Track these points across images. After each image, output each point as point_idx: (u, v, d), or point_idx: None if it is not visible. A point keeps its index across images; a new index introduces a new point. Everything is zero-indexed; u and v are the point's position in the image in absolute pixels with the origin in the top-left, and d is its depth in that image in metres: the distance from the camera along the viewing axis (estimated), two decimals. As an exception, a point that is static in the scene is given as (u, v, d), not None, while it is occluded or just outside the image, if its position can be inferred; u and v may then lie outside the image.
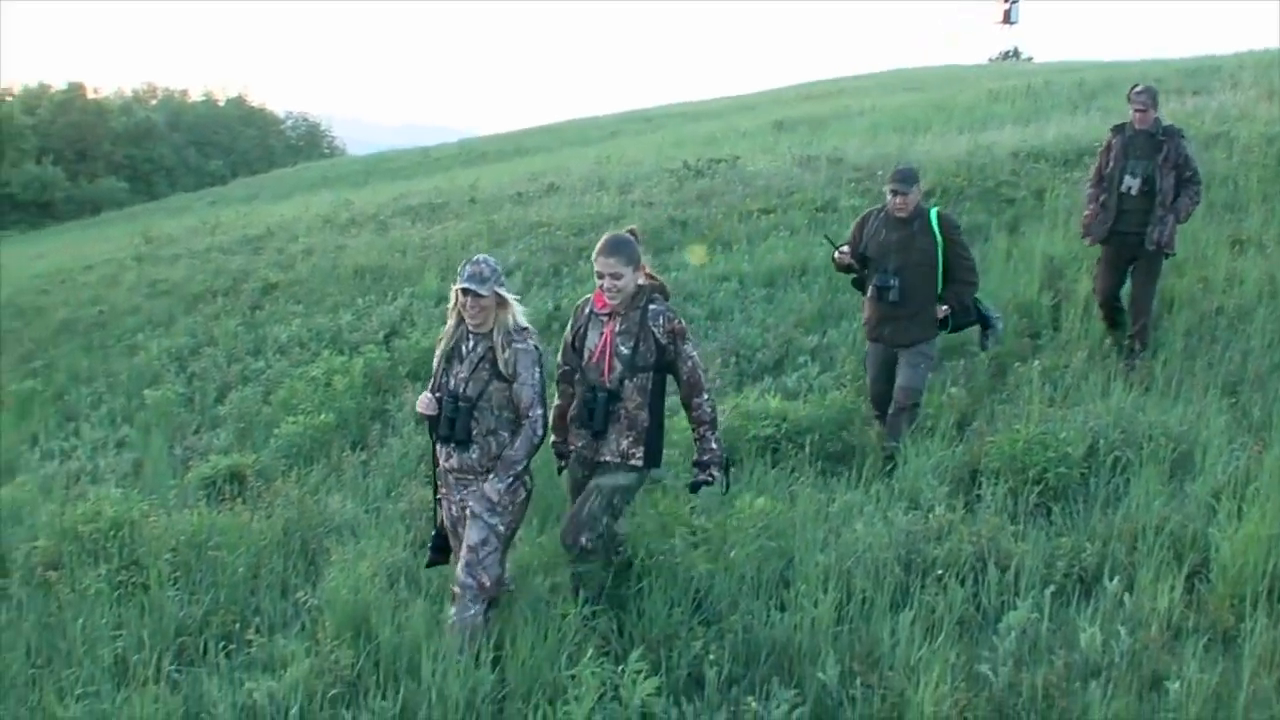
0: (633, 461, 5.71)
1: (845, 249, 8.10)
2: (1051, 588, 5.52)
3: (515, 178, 23.66)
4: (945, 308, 7.84)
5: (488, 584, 5.42)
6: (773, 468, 7.57)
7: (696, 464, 5.83)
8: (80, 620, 6.00)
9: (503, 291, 5.41)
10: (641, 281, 5.71)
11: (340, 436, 9.81)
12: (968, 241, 8.13)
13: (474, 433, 5.47)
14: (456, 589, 5.43)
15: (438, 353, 5.65)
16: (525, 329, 5.51)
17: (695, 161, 19.25)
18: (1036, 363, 8.81)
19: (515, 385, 5.43)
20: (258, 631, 5.90)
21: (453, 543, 5.67)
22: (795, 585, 5.68)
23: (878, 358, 8.11)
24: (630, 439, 5.70)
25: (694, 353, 5.75)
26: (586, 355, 5.77)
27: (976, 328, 8.22)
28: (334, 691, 5.04)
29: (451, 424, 5.46)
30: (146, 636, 5.77)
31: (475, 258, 5.46)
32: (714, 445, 5.78)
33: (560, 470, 6.10)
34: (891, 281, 7.75)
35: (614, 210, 16.66)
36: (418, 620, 5.52)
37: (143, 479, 9.79)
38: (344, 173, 43.20)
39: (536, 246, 15.24)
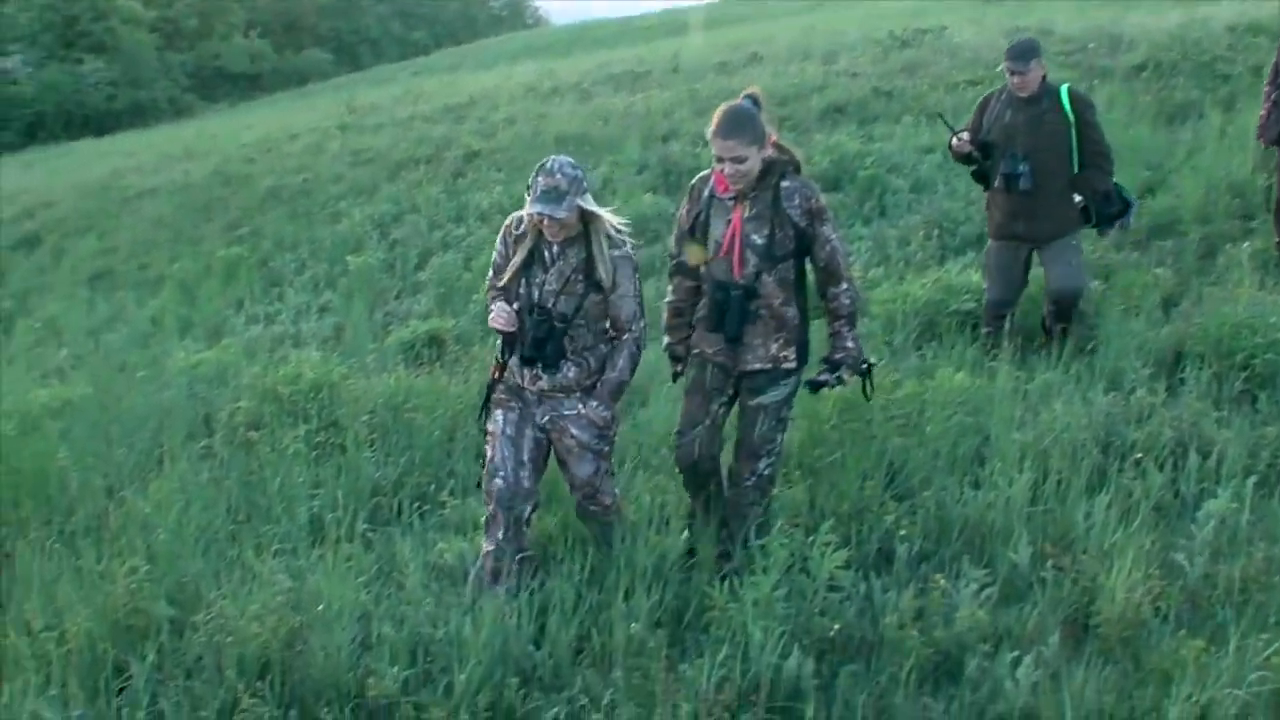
0: (786, 365, 5.00)
1: (964, 135, 7.32)
2: (1254, 478, 5.31)
3: (719, 47, 23.29)
4: (1080, 198, 7.13)
5: (610, 503, 5.11)
6: (972, 344, 7.36)
7: (827, 361, 5.06)
8: (279, 479, 6.17)
9: (585, 203, 4.72)
10: (769, 155, 4.90)
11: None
12: (1101, 124, 7.30)
13: (568, 352, 4.89)
14: (582, 519, 5.20)
15: (515, 260, 4.90)
16: (623, 232, 4.87)
17: (901, 32, 18.67)
18: (1247, 245, 8.35)
19: (614, 296, 4.82)
20: (451, 494, 6.01)
21: (506, 450, 4.98)
22: (990, 463, 5.58)
23: (1007, 257, 7.31)
24: (780, 341, 4.97)
25: (834, 236, 4.95)
26: (711, 247, 5.00)
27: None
28: (525, 554, 5.06)
29: (541, 345, 4.82)
30: (342, 496, 5.88)
31: (549, 164, 4.70)
32: (849, 343, 5.03)
33: (675, 376, 5.43)
34: (1021, 168, 6.99)
35: (818, 80, 16.34)
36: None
37: (343, 343, 10.05)
38: (547, 43, 43.19)
39: (740, 115, 14.95)
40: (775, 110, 14.39)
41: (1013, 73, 7.11)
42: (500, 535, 4.91)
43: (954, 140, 7.33)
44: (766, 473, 5.06)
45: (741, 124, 4.76)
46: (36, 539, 5.65)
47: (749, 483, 5.05)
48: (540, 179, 4.65)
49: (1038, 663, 4.20)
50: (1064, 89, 7.13)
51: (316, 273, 13.11)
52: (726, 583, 4.66)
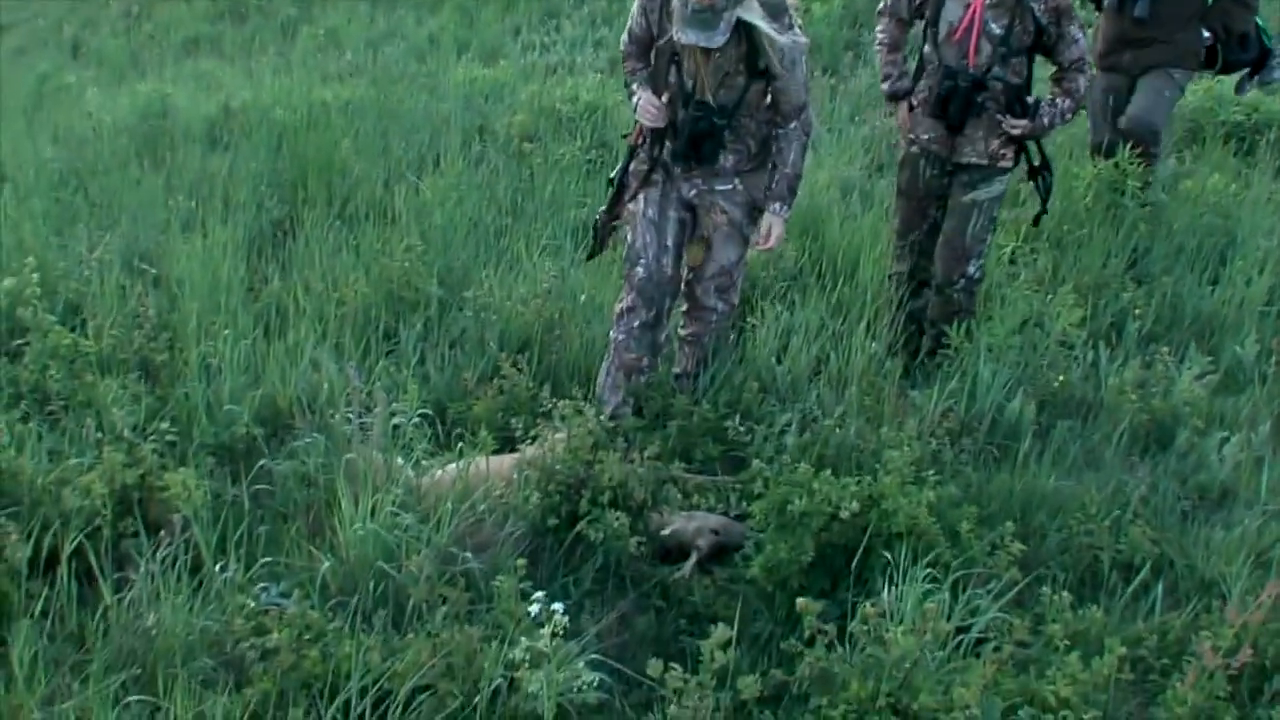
0: (1003, 164, 4.80)
1: None
2: None
3: None
4: (1209, 35, 6.05)
5: (734, 307, 4.66)
6: (1234, 155, 7.19)
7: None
8: (550, 186, 6.42)
9: (746, 12, 3.98)
10: None
11: (813, 59, 9.80)
12: None
13: (727, 144, 4.34)
14: (696, 315, 4.62)
15: (660, 43, 4.25)
16: (793, 18, 4.19)
17: None
18: None
19: (781, 84, 4.19)
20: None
21: (648, 235, 4.46)
22: (1232, 263, 5.58)
23: (1108, 92, 6.22)
24: (1002, 138, 4.74)
25: (1080, 36, 4.63)
26: (943, 28, 4.70)
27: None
28: (780, 282, 5.22)
29: (698, 143, 4.25)
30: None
31: None
32: (1059, 104, 4.69)
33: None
34: None
35: None
36: (864, 229, 5.72)
37: (616, 75, 10.17)
38: None
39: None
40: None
41: None
42: (637, 326, 4.48)
43: None
44: (976, 275, 4.93)
45: None
46: (318, 217, 6.06)
47: (958, 286, 4.91)
48: None
49: (1244, 445, 4.34)
50: None
51: (595, 8, 13.14)
52: (963, 326, 4.76)
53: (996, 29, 4.60)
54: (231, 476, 4.01)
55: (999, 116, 4.69)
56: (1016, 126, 4.66)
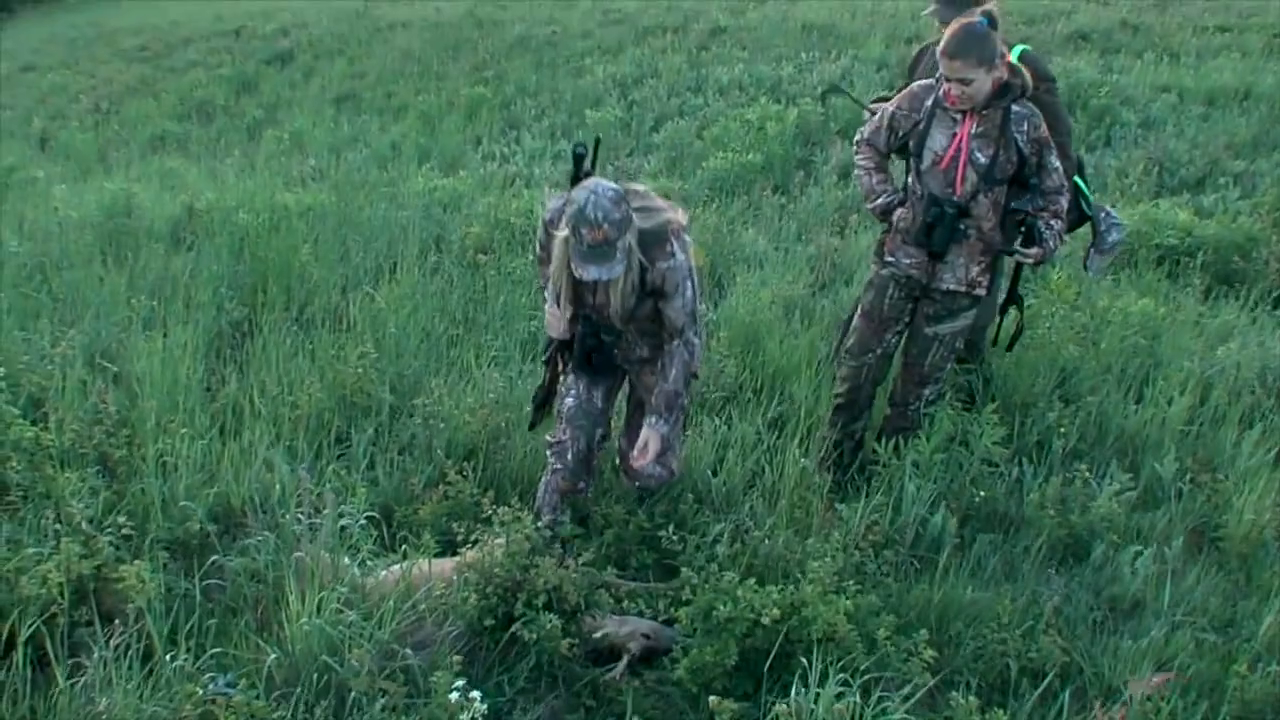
0: (977, 291, 4.94)
1: (879, 108, 5.30)
2: None
3: (979, -42, 22.84)
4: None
5: (674, 472, 4.71)
6: (1166, 277, 7.67)
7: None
8: (502, 298, 6.70)
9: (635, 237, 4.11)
10: (1001, 77, 4.69)
11: (764, 178, 10.24)
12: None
13: (629, 348, 4.54)
14: (634, 476, 4.71)
15: (556, 275, 4.31)
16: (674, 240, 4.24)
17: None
18: None
19: (665, 305, 4.30)
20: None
21: (580, 377, 4.62)
22: (1155, 384, 5.89)
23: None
24: (981, 265, 4.89)
25: (1058, 164, 4.81)
26: (928, 158, 4.80)
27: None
28: (718, 395, 5.51)
29: (589, 357, 4.49)
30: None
31: (588, 210, 3.98)
32: (1057, 229, 4.85)
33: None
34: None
35: (1068, 5, 16.09)
36: (804, 346, 6.01)
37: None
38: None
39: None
40: (1020, 30, 14.37)
41: (944, 24, 5.24)
42: (570, 456, 4.59)
43: (867, 115, 5.49)
44: (931, 398, 5.11)
45: (970, 44, 4.57)
46: (276, 321, 6.30)
47: (913, 407, 5.13)
48: (584, 231, 4.01)
49: (1156, 559, 4.65)
50: (1016, 51, 5.34)
51: (554, 121, 13.58)
52: (892, 443, 5.02)
53: (982, 158, 4.73)
54: (185, 570, 4.21)
55: (984, 238, 4.80)
56: (1029, 255, 4.82)
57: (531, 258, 4.51)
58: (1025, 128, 4.73)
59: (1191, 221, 8.26)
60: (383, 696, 3.31)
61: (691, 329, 4.35)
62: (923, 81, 4.92)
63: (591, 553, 4.15)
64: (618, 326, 4.37)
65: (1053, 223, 4.82)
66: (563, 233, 4.09)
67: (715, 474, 5.02)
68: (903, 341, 5.15)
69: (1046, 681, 3.90)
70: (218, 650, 3.62)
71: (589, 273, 4.06)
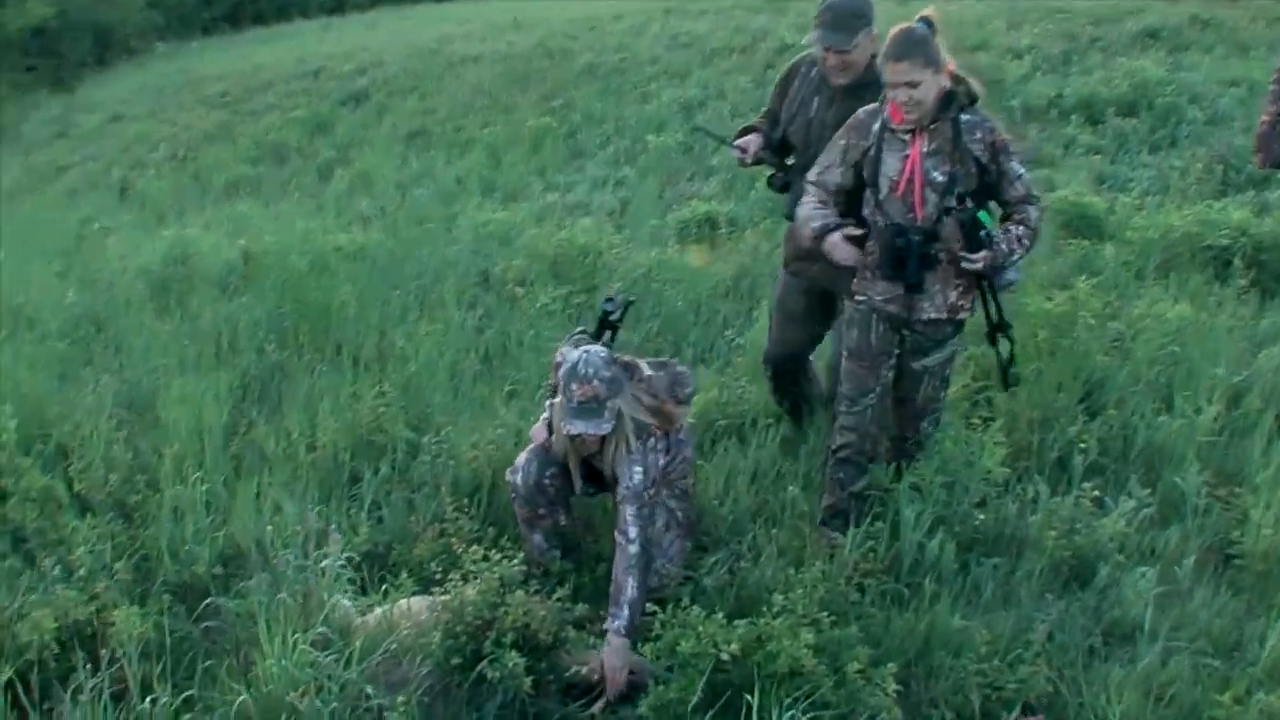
0: (961, 315, 4.65)
1: (747, 143, 5.27)
2: None
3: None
4: None
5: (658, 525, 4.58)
6: (1214, 279, 7.41)
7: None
8: (531, 331, 6.78)
9: (623, 403, 4.26)
10: (946, 85, 4.43)
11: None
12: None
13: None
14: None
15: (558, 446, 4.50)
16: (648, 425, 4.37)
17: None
18: None
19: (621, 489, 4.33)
20: (679, 356, 6.52)
21: (534, 457, 4.65)
22: (1182, 393, 5.71)
23: (798, 302, 5.47)
24: (960, 288, 4.58)
25: (1022, 169, 4.52)
26: (884, 185, 4.52)
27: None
28: (724, 423, 5.54)
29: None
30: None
31: (580, 366, 4.18)
32: (1013, 235, 4.49)
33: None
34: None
35: (1134, 3, 15.71)
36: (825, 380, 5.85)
37: (628, 215, 10.62)
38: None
39: (1052, 32, 14.82)
40: (1087, 29, 14.19)
41: (828, 48, 4.93)
42: (520, 481, 4.61)
43: (735, 153, 5.33)
44: (931, 429, 4.88)
45: (912, 46, 4.33)
46: (308, 363, 6.44)
47: (911, 440, 4.90)
48: (574, 387, 4.16)
49: (1163, 579, 4.48)
50: None
51: (618, 148, 13.68)
52: (892, 466, 4.85)
53: (939, 176, 4.43)
54: (189, 613, 4.34)
55: (956, 261, 4.49)
56: (975, 260, 4.43)
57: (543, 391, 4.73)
58: (979, 135, 4.44)
59: (1247, 220, 7.93)
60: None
61: (631, 511, 4.23)
62: (867, 107, 4.61)
63: (569, 587, 4.18)
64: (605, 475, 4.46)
65: (1011, 228, 4.51)
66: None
67: (721, 503, 5.02)
68: (896, 378, 4.85)
69: (1016, 712, 3.79)
70: (190, 692, 3.71)
71: (576, 427, 4.20)
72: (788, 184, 5.23)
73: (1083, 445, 5.28)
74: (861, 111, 4.62)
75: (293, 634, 3.68)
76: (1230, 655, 4.20)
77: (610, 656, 3.99)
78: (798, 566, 4.37)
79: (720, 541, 4.79)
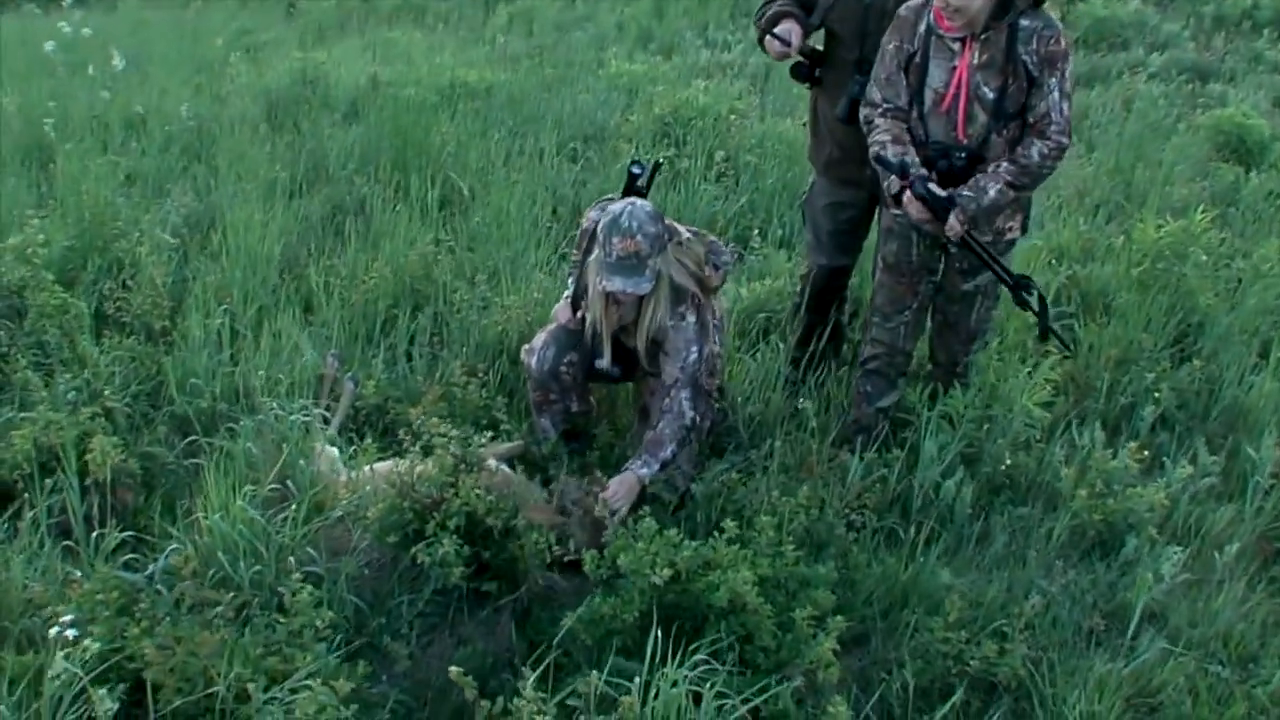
0: (1009, 236, 4.17)
1: (789, 31, 4.37)
2: None
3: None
4: None
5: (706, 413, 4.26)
6: None
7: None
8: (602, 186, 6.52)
9: (665, 262, 3.93)
10: None
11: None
12: None
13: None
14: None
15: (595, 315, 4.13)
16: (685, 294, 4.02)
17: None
18: None
19: (666, 363, 4.04)
20: (763, 238, 6.19)
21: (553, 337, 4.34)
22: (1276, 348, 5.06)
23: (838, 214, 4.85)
24: (1007, 210, 4.07)
25: (1059, 89, 3.86)
26: (929, 98, 3.97)
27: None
28: (776, 318, 5.20)
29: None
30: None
31: (623, 219, 3.82)
32: (985, 186, 3.91)
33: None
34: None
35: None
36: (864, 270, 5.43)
37: (771, 81, 10.13)
38: None
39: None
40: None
41: None
42: (534, 365, 4.27)
43: (776, 45, 4.41)
44: (979, 351, 4.46)
45: None
46: (390, 200, 6.25)
47: (960, 368, 4.45)
48: (615, 240, 3.81)
49: (1195, 565, 3.97)
50: None
51: (784, 6, 13.08)
52: (926, 391, 4.40)
53: (989, 92, 3.88)
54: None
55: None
56: (952, 228, 3.91)
57: (570, 263, 4.44)
58: (1034, 44, 3.82)
59: None
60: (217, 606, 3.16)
61: (686, 393, 3.98)
62: (910, 3, 4.01)
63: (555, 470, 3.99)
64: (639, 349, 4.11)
65: (991, 168, 3.94)
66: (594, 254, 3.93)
67: (746, 403, 4.64)
68: (938, 299, 4.38)
69: (955, 698, 3.30)
70: (130, 534, 3.58)
71: (614, 284, 3.84)
72: (814, 75, 4.63)
73: (1157, 394, 4.75)
74: (905, 8, 4.02)
75: (241, 487, 3.52)
76: (1244, 667, 3.65)
77: (620, 484, 3.83)
78: (798, 487, 3.98)
79: (741, 447, 4.44)
